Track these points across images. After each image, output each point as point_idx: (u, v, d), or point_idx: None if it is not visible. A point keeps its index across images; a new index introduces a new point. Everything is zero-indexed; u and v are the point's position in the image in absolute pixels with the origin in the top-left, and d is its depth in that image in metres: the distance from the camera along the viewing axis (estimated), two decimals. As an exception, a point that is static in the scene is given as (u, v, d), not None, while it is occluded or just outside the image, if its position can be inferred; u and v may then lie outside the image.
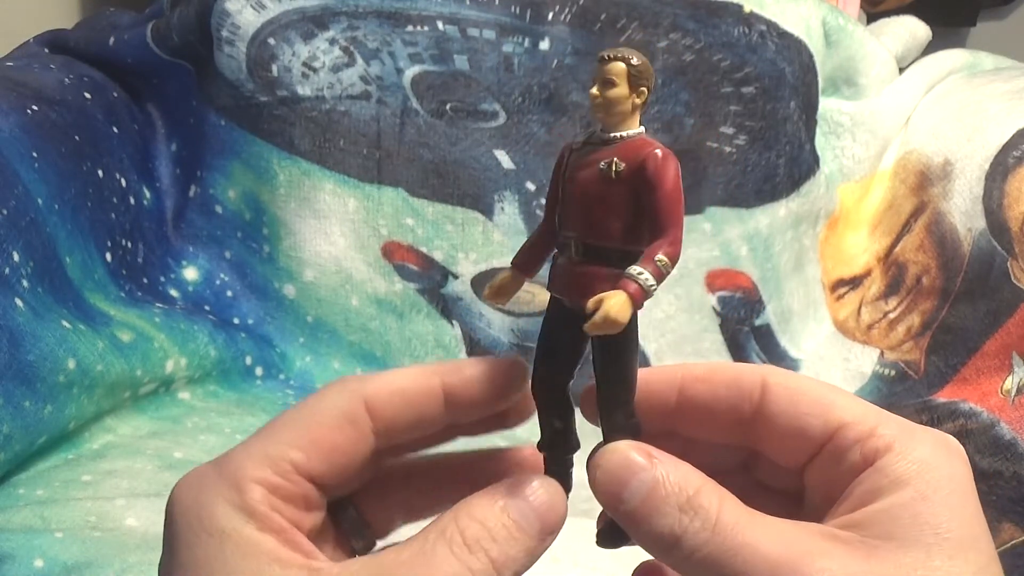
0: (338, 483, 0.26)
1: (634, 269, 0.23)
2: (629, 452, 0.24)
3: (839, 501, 0.24)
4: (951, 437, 0.25)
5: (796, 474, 0.27)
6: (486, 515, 0.24)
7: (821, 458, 0.25)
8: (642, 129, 0.24)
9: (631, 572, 0.29)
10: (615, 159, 0.24)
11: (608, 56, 0.24)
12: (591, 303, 0.23)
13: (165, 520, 0.25)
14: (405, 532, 0.28)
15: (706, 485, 0.24)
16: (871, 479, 0.24)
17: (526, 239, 0.27)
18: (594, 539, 0.28)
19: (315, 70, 0.70)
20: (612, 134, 0.25)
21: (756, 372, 0.27)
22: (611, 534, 0.27)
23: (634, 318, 0.23)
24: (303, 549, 0.24)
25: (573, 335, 0.25)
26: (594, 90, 0.24)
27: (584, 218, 0.25)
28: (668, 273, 0.23)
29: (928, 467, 0.24)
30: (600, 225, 0.24)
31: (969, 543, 0.23)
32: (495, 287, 0.27)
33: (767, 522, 0.23)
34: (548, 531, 0.24)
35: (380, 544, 0.29)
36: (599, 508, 0.27)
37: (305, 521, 0.25)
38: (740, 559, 0.22)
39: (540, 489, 0.25)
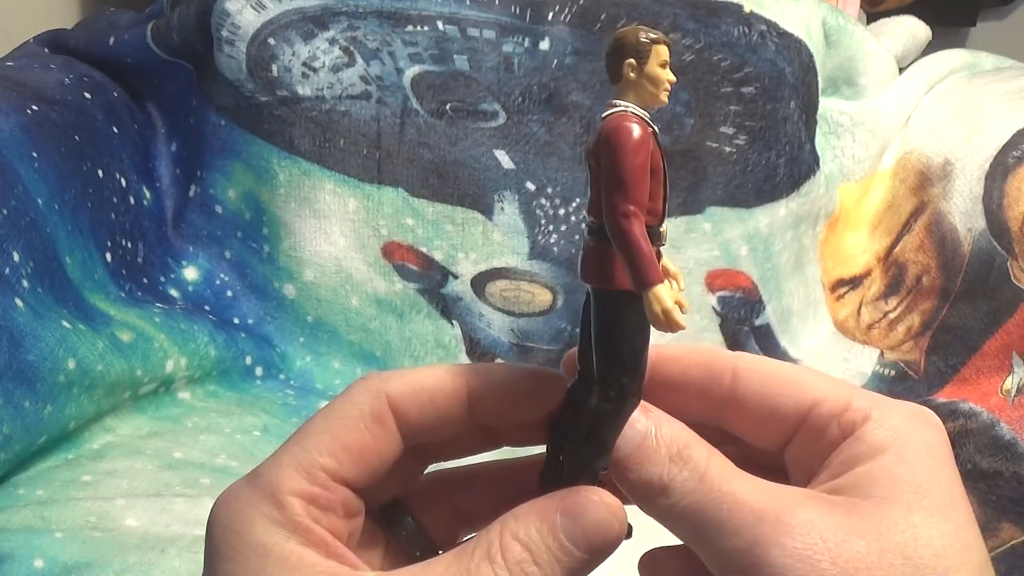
0: (374, 484, 0.26)
1: None
2: None
3: (819, 471, 0.25)
4: (926, 408, 0.25)
5: (777, 455, 0.27)
6: (530, 535, 0.23)
7: (799, 438, 0.26)
8: None
9: (631, 571, 0.29)
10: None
11: (667, 40, 0.24)
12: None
13: (206, 538, 0.24)
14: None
15: (697, 441, 0.24)
16: (849, 448, 0.24)
17: (647, 250, 0.23)
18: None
19: (315, 70, 0.70)
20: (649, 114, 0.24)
21: (728, 358, 0.27)
22: None
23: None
24: (348, 561, 0.24)
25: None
26: (671, 74, 0.24)
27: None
28: None
29: (904, 433, 0.24)
30: None
31: (947, 503, 0.23)
32: (678, 311, 0.23)
33: (752, 479, 0.24)
34: (597, 552, 0.24)
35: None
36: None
37: (344, 529, 0.25)
38: (725, 508, 0.23)
39: (594, 508, 0.24)
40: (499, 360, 0.73)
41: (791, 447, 0.26)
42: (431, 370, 0.26)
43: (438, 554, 0.28)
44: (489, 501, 0.28)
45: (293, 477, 0.24)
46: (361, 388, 0.26)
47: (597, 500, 0.24)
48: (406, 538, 0.27)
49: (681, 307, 0.22)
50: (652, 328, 0.24)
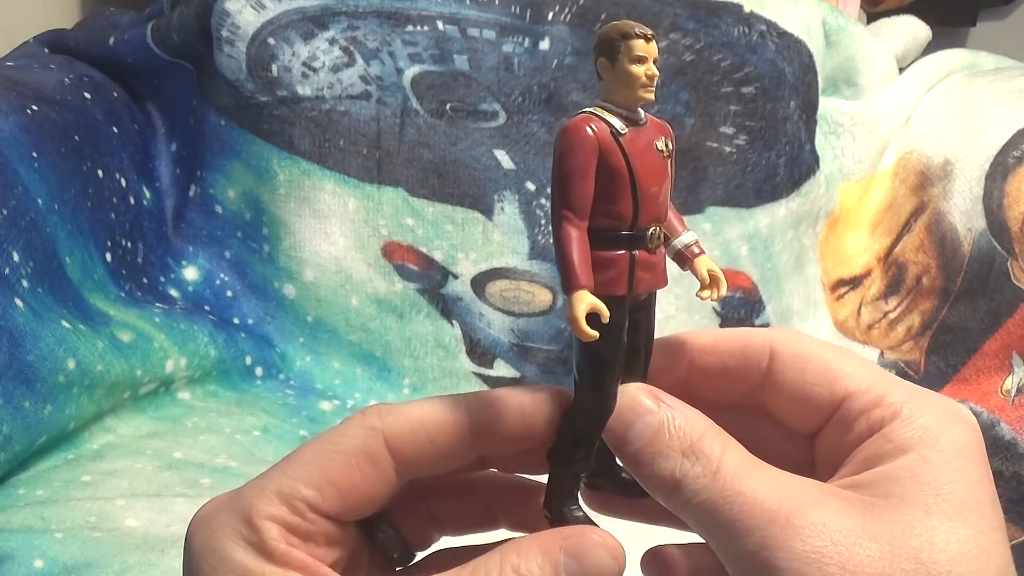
0: (359, 516, 0.25)
1: (691, 237, 0.25)
2: (637, 394, 0.24)
3: (842, 465, 0.24)
4: (961, 405, 0.25)
5: (807, 442, 0.26)
6: (531, 571, 0.23)
7: (829, 427, 0.25)
8: None
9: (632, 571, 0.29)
10: (665, 138, 0.24)
11: (652, 35, 0.23)
12: (710, 272, 0.25)
13: (184, 552, 0.24)
14: (445, 542, 0.28)
15: (711, 431, 0.24)
16: (874, 445, 0.24)
17: (574, 254, 0.23)
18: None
19: (315, 70, 0.70)
20: (640, 112, 0.23)
21: (764, 339, 0.26)
22: (625, 484, 0.27)
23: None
24: None
25: (641, 329, 0.25)
26: (655, 68, 0.23)
27: (660, 205, 0.24)
28: None
29: (932, 433, 0.23)
30: (665, 209, 0.24)
31: (970, 506, 0.22)
32: (584, 323, 0.22)
33: (767, 473, 0.23)
34: None
35: (420, 556, 0.28)
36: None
37: (328, 555, 0.25)
38: (736, 507, 0.22)
39: (597, 551, 0.23)
40: (499, 360, 0.73)
41: (820, 437, 0.26)
42: (431, 406, 0.25)
43: (414, 556, 0.28)
44: (468, 506, 0.28)
45: (273, 503, 0.24)
46: (358, 423, 0.25)
47: (600, 541, 0.24)
48: (382, 540, 0.27)
49: (600, 315, 0.22)
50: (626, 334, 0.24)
